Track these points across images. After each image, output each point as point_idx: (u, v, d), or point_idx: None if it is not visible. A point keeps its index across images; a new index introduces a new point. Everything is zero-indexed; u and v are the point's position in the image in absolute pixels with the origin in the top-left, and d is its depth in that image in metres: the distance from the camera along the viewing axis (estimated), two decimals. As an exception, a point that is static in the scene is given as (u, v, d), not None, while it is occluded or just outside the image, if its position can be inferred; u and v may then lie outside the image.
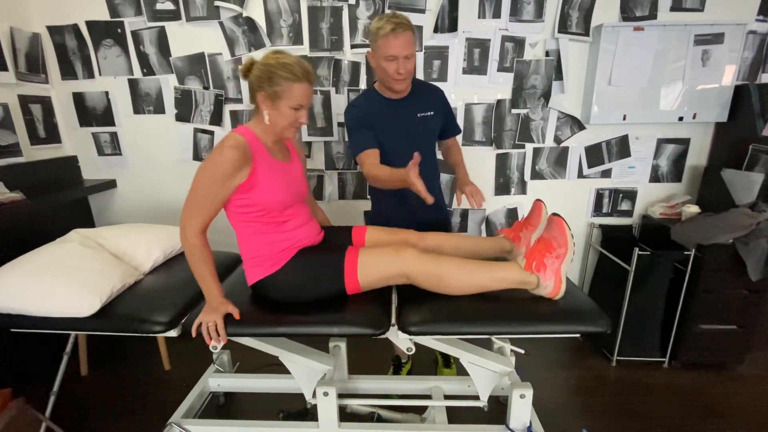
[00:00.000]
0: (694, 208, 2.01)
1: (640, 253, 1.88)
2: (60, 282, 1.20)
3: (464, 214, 2.31)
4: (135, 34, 2.03)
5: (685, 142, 2.17)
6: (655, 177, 2.23)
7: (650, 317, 1.99)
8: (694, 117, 2.04)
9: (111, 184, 2.25)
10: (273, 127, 1.17)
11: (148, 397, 1.88)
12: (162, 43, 2.04)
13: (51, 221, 1.98)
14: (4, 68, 1.85)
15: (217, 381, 1.73)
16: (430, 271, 1.15)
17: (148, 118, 2.16)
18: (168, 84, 2.10)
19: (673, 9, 1.98)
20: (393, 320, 1.20)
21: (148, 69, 2.08)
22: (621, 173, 2.22)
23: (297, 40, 2.02)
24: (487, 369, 1.36)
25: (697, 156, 2.20)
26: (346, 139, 1.93)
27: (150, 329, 1.17)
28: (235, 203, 1.16)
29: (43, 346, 1.89)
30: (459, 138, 1.96)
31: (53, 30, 2.03)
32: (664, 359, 2.04)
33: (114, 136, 2.19)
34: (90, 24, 2.02)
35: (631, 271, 1.91)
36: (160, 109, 2.14)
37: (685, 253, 1.86)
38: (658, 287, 1.94)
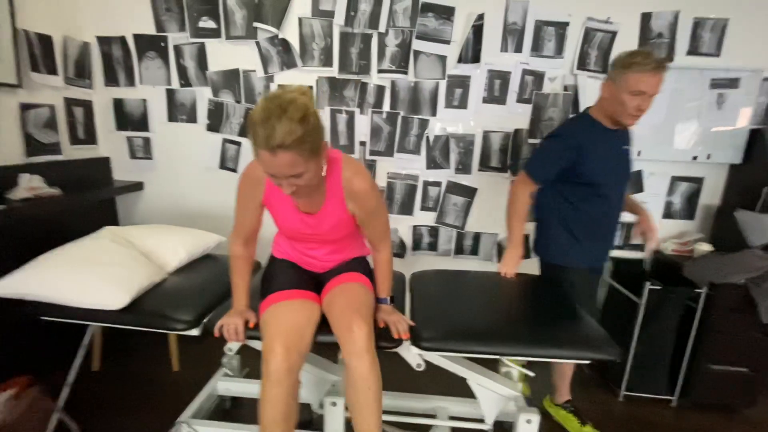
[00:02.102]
0: (706, 247, 2.03)
1: (651, 287, 1.89)
2: (93, 275, 1.27)
3: (476, 237, 2.35)
4: (177, 48, 2.17)
5: (698, 181, 2.21)
6: (668, 213, 2.26)
7: (659, 354, 1.98)
8: (708, 157, 2.09)
9: (138, 186, 2.35)
10: None
11: (155, 395, 1.92)
12: (201, 57, 2.18)
13: (81, 217, 2.08)
14: (55, 73, 1.99)
15: (226, 384, 1.77)
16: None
17: (181, 126, 2.28)
18: (203, 96, 2.22)
19: (689, 53, 2.06)
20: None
21: (185, 81, 2.21)
22: (634, 207, 2.26)
23: (327, 62, 2.14)
24: (494, 392, 1.38)
25: (711, 195, 2.23)
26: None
27: (174, 326, 1.23)
28: None
29: (62, 338, 1.95)
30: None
31: (102, 40, 2.18)
32: (672, 397, 2.02)
33: (147, 141, 2.31)
34: (137, 37, 2.17)
35: (641, 306, 1.92)
36: (192, 118, 2.26)
37: (697, 290, 1.87)
38: (669, 324, 1.94)
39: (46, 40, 1.92)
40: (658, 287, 1.89)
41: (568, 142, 1.48)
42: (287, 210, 1.17)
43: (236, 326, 1.17)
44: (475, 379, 1.37)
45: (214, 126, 2.25)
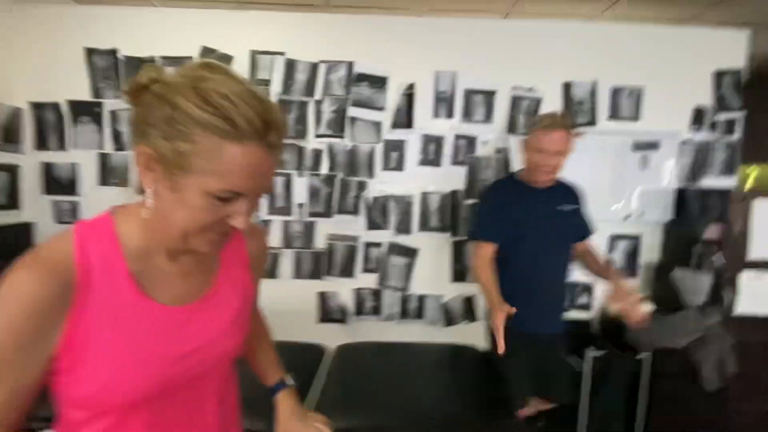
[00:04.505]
0: (648, 307, 1.99)
1: (594, 354, 1.81)
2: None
3: (421, 298, 2.26)
4: (113, 114, 2.16)
5: (636, 239, 2.22)
6: (611, 271, 2.24)
7: (611, 424, 1.85)
8: (640, 216, 2.12)
9: (64, 252, 2.21)
10: (161, 226, 0.55)
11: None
12: (137, 122, 2.16)
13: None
14: (-24, 138, 1.93)
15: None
16: None
17: (112, 190, 2.20)
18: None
19: (611, 117, 2.17)
20: None
21: (119, 145, 2.18)
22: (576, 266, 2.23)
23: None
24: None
25: (650, 252, 2.23)
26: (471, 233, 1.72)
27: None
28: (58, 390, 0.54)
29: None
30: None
31: (35, 105, 2.16)
32: (631, 476, 1.86)
33: (75, 205, 2.21)
34: (72, 102, 2.16)
35: (584, 373, 1.82)
36: (124, 182, 2.20)
37: (639, 357, 1.80)
38: (616, 392, 1.83)
39: (-32, 107, 1.89)
40: (600, 354, 1.81)
41: (492, 202, 1.57)
42: (132, 318, 0.55)
43: None
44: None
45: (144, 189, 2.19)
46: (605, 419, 1.84)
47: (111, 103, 2.16)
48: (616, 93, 2.15)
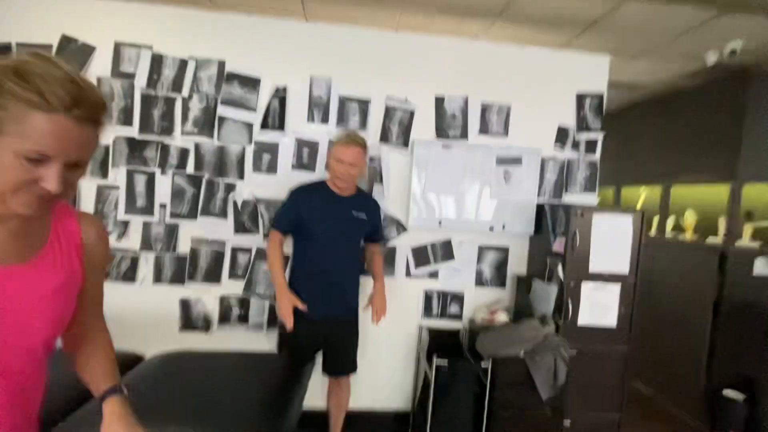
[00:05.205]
0: (503, 317, 2.04)
1: (438, 363, 1.81)
2: None
3: (292, 307, 2.20)
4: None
5: (504, 251, 2.28)
6: (480, 281, 2.29)
7: (455, 430, 1.85)
8: (503, 228, 2.18)
9: None
10: None
11: None
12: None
13: None
14: None
15: None
16: None
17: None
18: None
19: (481, 132, 2.24)
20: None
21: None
22: (448, 275, 2.26)
23: (127, 121, 2.05)
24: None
25: (518, 264, 2.30)
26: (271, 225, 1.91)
27: None
28: None
29: None
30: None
31: None
32: (476, 487, 1.86)
33: None
34: None
35: (431, 382, 1.82)
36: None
37: (483, 365, 1.82)
38: (463, 400, 1.84)
39: None
40: (444, 362, 1.82)
41: (292, 199, 1.82)
42: None
43: None
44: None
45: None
46: (450, 424, 1.84)
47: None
48: (485, 109, 2.23)
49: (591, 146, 2.30)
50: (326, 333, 1.78)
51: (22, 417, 0.67)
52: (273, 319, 2.16)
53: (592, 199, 2.31)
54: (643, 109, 3.27)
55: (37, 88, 0.55)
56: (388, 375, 2.27)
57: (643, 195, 3.42)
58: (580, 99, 2.28)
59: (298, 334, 1.69)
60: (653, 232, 3.13)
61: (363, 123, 2.17)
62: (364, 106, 2.17)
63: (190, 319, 2.14)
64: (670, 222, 3.02)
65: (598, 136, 2.30)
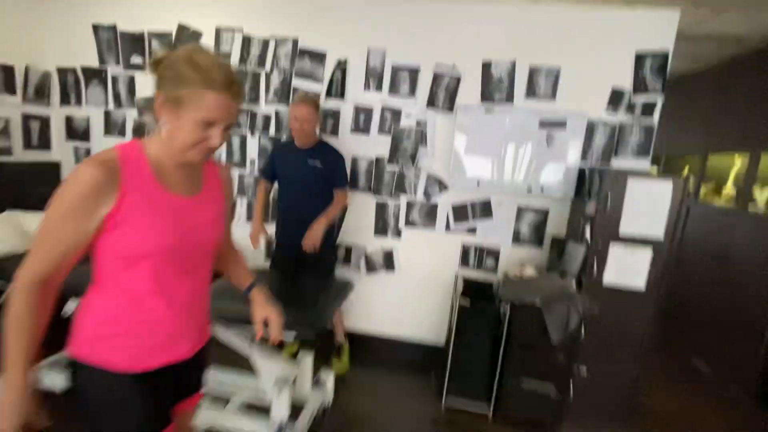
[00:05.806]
0: (531, 271, 2.20)
1: (461, 305, 2.09)
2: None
3: (349, 249, 2.63)
4: (114, 78, 2.71)
5: (544, 212, 2.39)
6: (518, 240, 2.44)
7: (475, 367, 2.14)
8: (541, 190, 2.29)
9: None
10: (171, 145, 0.85)
11: None
12: (131, 86, 2.70)
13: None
14: (14, 93, 2.58)
15: None
16: None
17: (113, 139, 2.79)
18: (131, 116, 2.74)
19: (528, 95, 2.30)
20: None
21: (119, 104, 2.74)
22: (485, 232, 2.47)
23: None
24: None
25: (557, 226, 2.39)
26: (256, 173, 2.65)
27: None
28: (104, 246, 0.84)
29: None
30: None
31: (60, 70, 2.77)
32: (488, 412, 2.15)
33: (89, 150, 2.84)
34: (84, 69, 2.74)
35: (453, 320, 2.11)
36: (123, 132, 2.77)
37: (502, 310, 2.05)
38: (481, 339, 2.11)
39: (8, 70, 2.53)
40: (467, 302, 2.09)
41: (270, 153, 2.33)
42: (156, 203, 0.85)
43: None
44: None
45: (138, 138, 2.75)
46: (468, 360, 2.14)
47: (111, 69, 2.70)
48: (533, 72, 2.27)
49: (648, 109, 2.21)
50: (296, 255, 2.17)
51: (208, 303, 1.05)
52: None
53: (644, 164, 2.25)
54: (738, 66, 2.87)
55: (207, 74, 0.78)
56: (427, 313, 2.62)
57: (736, 166, 3.08)
58: (640, 59, 2.18)
59: (277, 255, 2.33)
60: (730, 202, 2.85)
61: (412, 90, 2.40)
62: (414, 74, 2.38)
63: (271, 251, 2.71)
64: (761, 193, 2.73)
65: (658, 99, 2.20)
